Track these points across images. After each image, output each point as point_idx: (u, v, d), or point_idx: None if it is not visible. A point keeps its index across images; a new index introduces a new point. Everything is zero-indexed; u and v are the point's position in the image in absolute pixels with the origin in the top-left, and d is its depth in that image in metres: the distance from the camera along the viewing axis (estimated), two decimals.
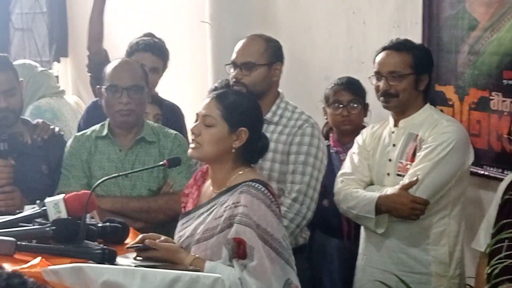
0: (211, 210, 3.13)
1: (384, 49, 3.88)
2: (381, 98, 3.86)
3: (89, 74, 4.86)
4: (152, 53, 4.66)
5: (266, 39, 3.99)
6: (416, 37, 4.37)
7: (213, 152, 3.11)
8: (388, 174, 3.87)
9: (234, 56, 3.95)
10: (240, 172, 3.12)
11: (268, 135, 3.82)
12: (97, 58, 4.69)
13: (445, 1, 4.23)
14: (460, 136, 3.76)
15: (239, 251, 2.96)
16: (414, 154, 3.78)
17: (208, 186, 3.25)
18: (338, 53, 5.06)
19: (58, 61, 8.20)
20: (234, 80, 3.91)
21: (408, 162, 3.79)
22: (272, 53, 3.95)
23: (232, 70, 3.95)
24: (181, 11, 6.67)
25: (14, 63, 4.36)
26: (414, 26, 4.44)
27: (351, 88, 4.41)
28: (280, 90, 4.03)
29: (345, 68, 4.95)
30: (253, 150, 3.18)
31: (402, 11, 4.55)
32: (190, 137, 3.21)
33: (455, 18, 4.17)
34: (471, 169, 3.96)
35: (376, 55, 3.89)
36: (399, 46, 3.85)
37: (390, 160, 3.87)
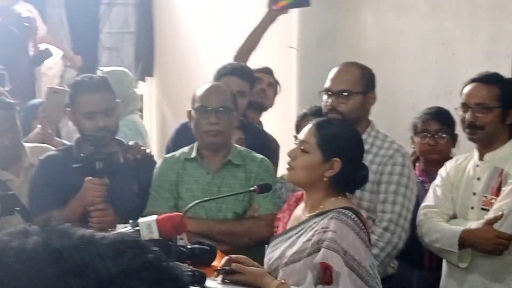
0: (300, 233, 3.15)
1: (472, 81, 3.85)
2: (467, 130, 3.83)
3: None
4: (238, 76, 4.71)
5: (361, 67, 4.00)
6: (508, 70, 4.34)
7: (305, 178, 3.16)
8: (472, 208, 3.83)
9: (328, 83, 3.95)
10: (333, 199, 3.14)
11: None
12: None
13: None
14: None
15: (325, 276, 2.97)
16: (499, 189, 3.74)
17: (299, 210, 3.27)
18: (426, 83, 5.05)
19: (144, 80, 8.32)
20: (329, 107, 3.91)
21: (493, 197, 3.74)
22: (367, 81, 3.96)
23: (325, 97, 3.96)
24: (268, 36, 6.71)
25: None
26: (506, 59, 4.40)
27: (440, 118, 4.39)
28: (370, 118, 4.03)
29: (433, 98, 4.92)
30: (347, 180, 3.19)
31: (494, 43, 4.52)
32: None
33: None
34: None
35: (464, 87, 3.87)
36: (488, 79, 3.82)
37: (474, 194, 3.83)
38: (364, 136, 3.93)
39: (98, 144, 3.88)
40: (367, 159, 3.88)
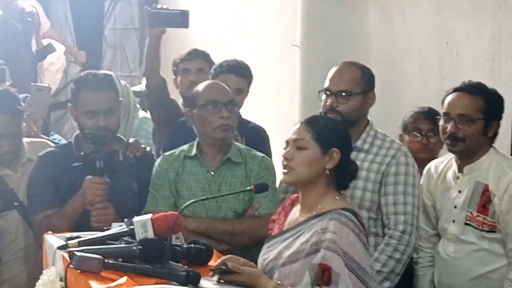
0: (297, 234, 3.13)
1: (455, 90, 3.78)
2: (447, 141, 3.78)
3: (146, 100, 4.92)
4: (235, 74, 4.68)
5: (361, 67, 3.98)
6: (511, 71, 4.32)
7: (307, 174, 3.13)
8: (453, 221, 3.82)
9: (328, 83, 3.93)
10: (331, 199, 3.13)
11: (358, 163, 3.81)
12: (157, 88, 4.73)
13: None
14: None
15: (323, 278, 2.96)
16: (484, 206, 3.71)
17: (295, 212, 3.25)
18: (430, 83, 5.02)
19: None
20: (328, 107, 3.89)
21: (479, 214, 3.72)
22: (367, 81, 3.94)
23: (324, 97, 3.93)
24: (272, 34, 6.70)
25: None
26: (509, 59, 4.37)
27: (431, 118, 4.35)
28: (369, 118, 4.01)
29: (436, 98, 4.84)
30: (345, 174, 3.20)
31: (497, 43, 4.50)
32: (279, 162, 3.22)
33: None
34: None
35: (446, 95, 3.81)
36: (472, 89, 3.75)
37: (455, 207, 3.82)
38: (363, 136, 3.92)
39: (98, 143, 3.86)
40: (367, 159, 3.88)
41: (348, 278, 2.94)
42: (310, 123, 3.19)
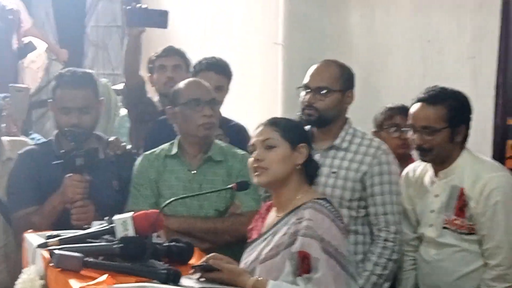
0: (275, 231, 3.16)
1: (418, 100, 3.77)
2: (417, 152, 3.81)
3: (124, 98, 4.89)
4: (215, 71, 4.69)
5: (340, 65, 3.97)
6: (492, 69, 4.33)
7: (282, 172, 3.16)
8: (431, 225, 3.84)
9: (307, 79, 3.93)
10: (303, 194, 3.17)
11: (338, 161, 3.84)
12: (136, 87, 4.73)
13: None
14: (503, 188, 3.67)
15: (303, 266, 2.98)
16: (461, 209, 3.72)
17: (272, 215, 3.28)
18: (413, 81, 5.02)
19: None
20: (306, 104, 3.89)
21: (456, 217, 3.73)
22: (346, 79, 3.93)
23: (303, 93, 3.93)
24: (254, 32, 6.69)
25: None
26: (490, 58, 4.38)
27: (406, 113, 4.36)
28: (348, 116, 4.01)
29: None
30: (314, 167, 3.27)
31: (479, 42, 4.50)
32: (251, 166, 3.22)
33: None
34: None
35: (411, 105, 3.81)
36: (433, 99, 3.73)
37: (432, 211, 3.83)
38: (342, 134, 3.93)
39: (76, 140, 3.85)
40: (346, 157, 3.88)
41: (326, 263, 2.97)
42: (274, 123, 3.23)
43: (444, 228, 3.78)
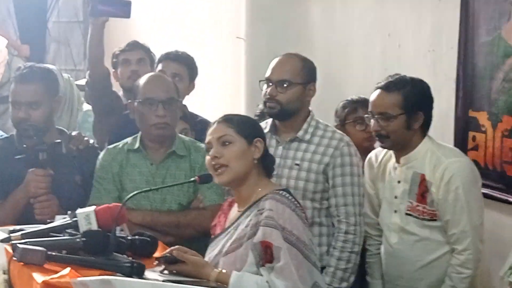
0: (237, 224, 3.19)
1: (376, 88, 3.84)
2: (376, 138, 3.87)
3: (88, 90, 4.86)
4: (172, 60, 4.73)
5: (302, 58, 4.00)
6: (452, 62, 4.37)
7: (241, 168, 3.18)
8: (396, 211, 3.88)
9: (269, 73, 3.95)
10: (263, 187, 3.20)
11: (300, 153, 3.88)
12: (100, 78, 4.66)
13: (481, 27, 4.21)
14: (463, 173, 3.73)
15: (266, 255, 3.01)
16: (422, 195, 3.77)
17: (234, 211, 3.31)
18: (373, 74, 5.05)
19: None
20: (268, 97, 3.92)
21: (419, 204, 3.79)
22: (307, 72, 3.96)
23: (265, 86, 3.95)
24: (216, 27, 6.71)
25: None
26: (449, 51, 4.42)
27: (368, 106, 4.40)
28: (310, 108, 4.03)
29: None
30: (270, 160, 3.30)
31: (438, 35, 4.54)
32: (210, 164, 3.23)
33: (490, 44, 4.15)
34: (503, 197, 3.97)
35: (371, 94, 3.88)
36: (390, 86, 3.78)
37: (396, 197, 3.88)
38: (304, 127, 3.95)
39: (26, 135, 3.87)
40: (309, 149, 3.91)
41: (288, 252, 2.99)
42: (228, 120, 3.25)
43: (407, 214, 3.82)
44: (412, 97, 3.77)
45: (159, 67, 4.76)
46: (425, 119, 3.80)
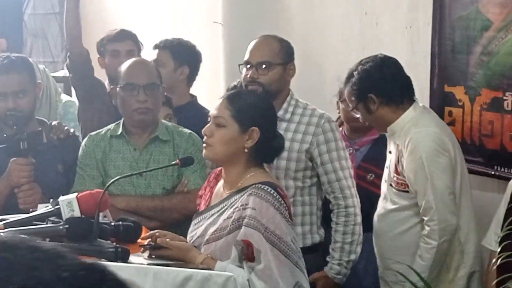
0: (221, 211, 3.17)
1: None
2: None
3: (70, 74, 4.83)
4: (154, 47, 4.79)
5: (279, 39, 4.02)
6: (427, 38, 4.38)
7: (224, 153, 3.16)
8: (385, 181, 3.92)
9: (248, 56, 3.97)
10: (252, 174, 3.16)
11: (281, 132, 3.86)
12: (80, 58, 4.59)
13: (457, 2, 4.22)
14: (426, 143, 3.71)
15: (248, 252, 3.01)
16: (396, 166, 3.78)
17: (220, 187, 3.29)
18: (351, 54, 5.06)
19: None
20: (249, 80, 3.92)
21: (395, 174, 3.80)
22: (286, 52, 3.99)
23: (245, 70, 3.96)
24: (193, 11, 6.69)
25: None
26: (426, 27, 4.43)
27: None
28: (290, 88, 4.05)
29: None
30: (267, 150, 3.22)
31: (414, 12, 4.55)
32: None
33: (467, 19, 4.17)
34: (483, 170, 3.97)
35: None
36: (346, 79, 3.93)
37: (387, 167, 3.92)
38: (284, 106, 3.97)
39: (17, 124, 3.84)
40: (290, 128, 3.93)
41: (270, 253, 2.99)
42: (232, 99, 3.21)
43: (390, 185, 3.85)
44: (361, 84, 3.80)
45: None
46: (395, 91, 3.80)
